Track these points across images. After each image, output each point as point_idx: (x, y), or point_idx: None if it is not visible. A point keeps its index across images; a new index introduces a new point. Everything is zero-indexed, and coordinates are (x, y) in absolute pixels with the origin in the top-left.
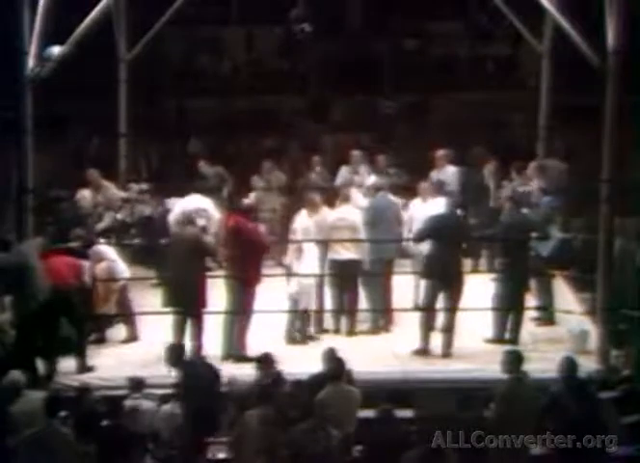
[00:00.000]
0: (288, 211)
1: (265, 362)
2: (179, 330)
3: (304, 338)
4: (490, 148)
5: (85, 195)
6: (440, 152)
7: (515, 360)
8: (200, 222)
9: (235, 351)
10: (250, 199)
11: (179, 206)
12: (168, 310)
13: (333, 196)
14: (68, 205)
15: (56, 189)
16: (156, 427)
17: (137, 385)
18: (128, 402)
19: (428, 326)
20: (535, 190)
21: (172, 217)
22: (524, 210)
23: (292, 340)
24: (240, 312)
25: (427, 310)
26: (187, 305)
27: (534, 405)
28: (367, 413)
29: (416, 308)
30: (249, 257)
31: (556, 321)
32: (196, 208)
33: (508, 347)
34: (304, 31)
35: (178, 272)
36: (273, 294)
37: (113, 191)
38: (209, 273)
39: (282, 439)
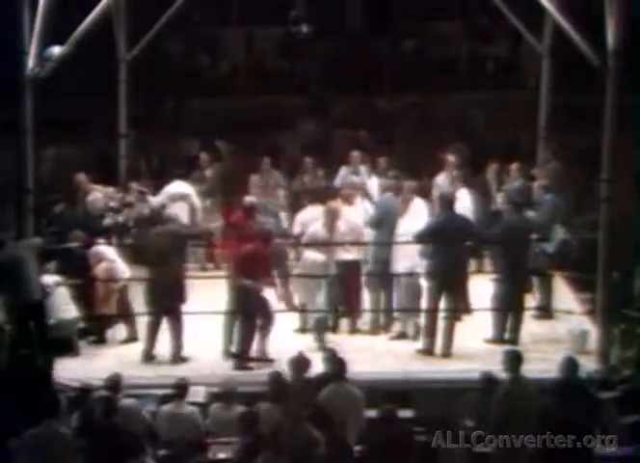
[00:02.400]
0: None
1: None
2: (152, 331)
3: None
4: (490, 148)
5: (97, 196)
6: (451, 158)
7: (513, 360)
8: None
9: (237, 351)
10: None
11: (164, 192)
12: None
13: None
14: (67, 207)
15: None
16: (155, 427)
17: (115, 385)
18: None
19: (432, 327)
20: (536, 188)
21: (157, 201)
22: (530, 213)
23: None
24: (239, 311)
25: (429, 311)
26: (165, 303)
27: (533, 405)
28: (369, 413)
29: (418, 309)
30: (248, 255)
31: (555, 316)
32: (180, 193)
33: (508, 347)
34: (302, 32)
35: (157, 270)
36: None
37: (101, 195)
38: (209, 273)
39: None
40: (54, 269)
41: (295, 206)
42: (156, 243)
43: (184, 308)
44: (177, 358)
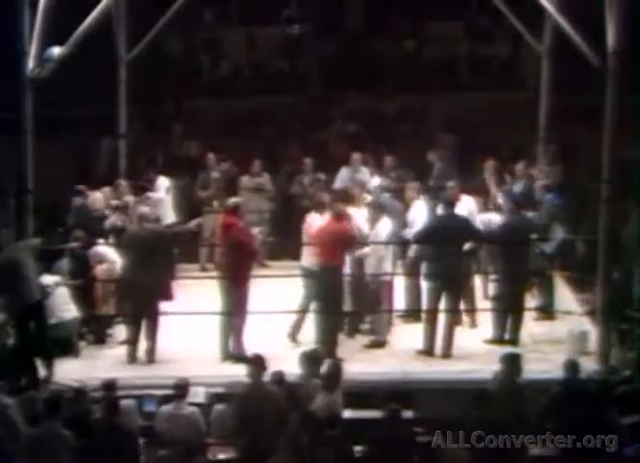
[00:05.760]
0: (279, 216)
1: (257, 363)
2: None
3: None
4: (489, 148)
5: (97, 197)
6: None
7: (510, 362)
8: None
9: (233, 352)
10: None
11: (162, 186)
12: (168, 311)
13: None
14: (77, 207)
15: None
16: (155, 427)
17: (109, 387)
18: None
19: (432, 327)
20: (537, 188)
21: (159, 195)
22: (530, 213)
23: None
24: (233, 312)
25: (429, 311)
26: (143, 304)
27: (528, 407)
28: (370, 413)
29: (418, 309)
30: (239, 256)
31: (556, 317)
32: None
33: (507, 349)
34: (295, 33)
35: (136, 269)
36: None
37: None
38: (209, 273)
39: None
40: (61, 269)
41: (289, 210)
42: (137, 243)
43: (173, 307)
44: (151, 359)
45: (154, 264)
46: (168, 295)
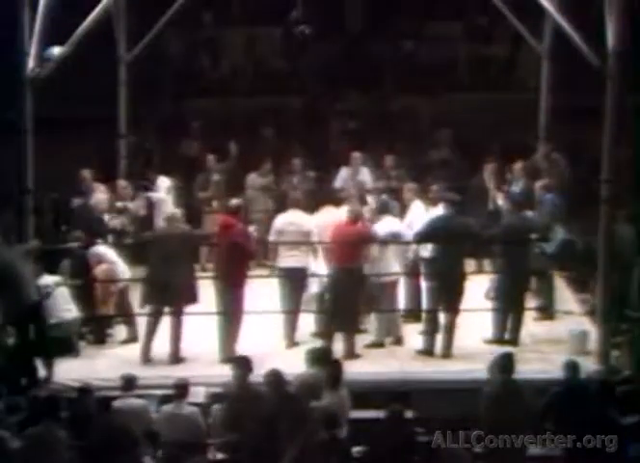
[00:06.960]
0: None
1: (242, 364)
2: (153, 330)
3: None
4: (490, 148)
5: (99, 198)
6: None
7: (505, 362)
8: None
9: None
10: (242, 198)
11: (162, 187)
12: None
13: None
14: (82, 207)
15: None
16: (155, 427)
17: (129, 384)
18: (117, 402)
19: (432, 327)
20: (537, 188)
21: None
22: (530, 212)
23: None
24: (229, 313)
25: (430, 311)
26: (170, 303)
27: (525, 407)
28: (373, 413)
29: (419, 309)
30: (236, 257)
31: (555, 317)
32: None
33: (500, 350)
34: (303, 33)
35: (165, 269)
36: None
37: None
38: (209, 273)
39: None
40: (62, 269)
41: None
42: (164, 243)
43: (193, 308)
44: (175, 359)
45: (180, 265)
46: (192, 297)
